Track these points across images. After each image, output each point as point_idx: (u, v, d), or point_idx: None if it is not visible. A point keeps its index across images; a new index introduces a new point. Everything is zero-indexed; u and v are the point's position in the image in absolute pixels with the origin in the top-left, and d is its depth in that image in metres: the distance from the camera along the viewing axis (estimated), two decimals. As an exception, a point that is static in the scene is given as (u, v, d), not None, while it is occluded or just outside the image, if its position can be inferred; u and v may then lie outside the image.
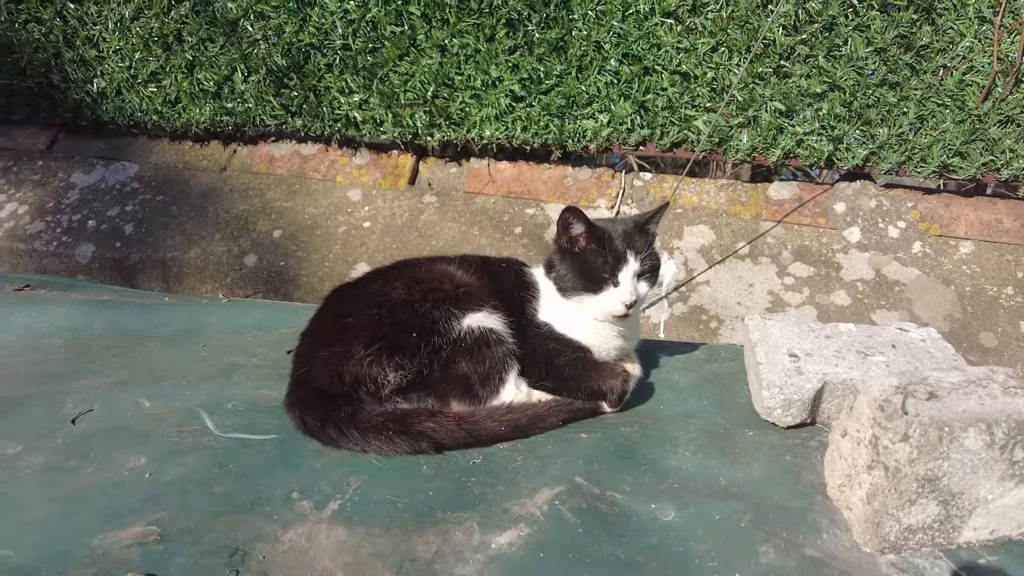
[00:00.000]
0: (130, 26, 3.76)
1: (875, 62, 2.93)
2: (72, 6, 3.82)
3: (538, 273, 1.82)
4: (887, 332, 1.81)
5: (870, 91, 2.96)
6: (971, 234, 3.03)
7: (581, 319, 1.70)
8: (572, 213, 1.66)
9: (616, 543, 1.26)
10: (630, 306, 1.63)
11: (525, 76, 3.27)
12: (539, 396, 1.68)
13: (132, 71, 3.84)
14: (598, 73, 3.22)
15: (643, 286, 1.68)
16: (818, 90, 3.01)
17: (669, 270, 3.10)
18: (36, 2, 3.86)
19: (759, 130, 3.12)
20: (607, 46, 3.16)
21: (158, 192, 3.83)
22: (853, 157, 3.06)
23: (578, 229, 1.68)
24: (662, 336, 2.94)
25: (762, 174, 3.84)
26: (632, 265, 1.65)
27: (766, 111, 3.09)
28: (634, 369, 1.81)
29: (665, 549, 1.24)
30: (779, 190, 3.27)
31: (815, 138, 3.07)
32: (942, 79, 2.92)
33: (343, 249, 3.40)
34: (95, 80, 3.92)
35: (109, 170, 3.99)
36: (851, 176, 3.22)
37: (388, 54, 3.40)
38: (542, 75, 3.26)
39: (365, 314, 1.61)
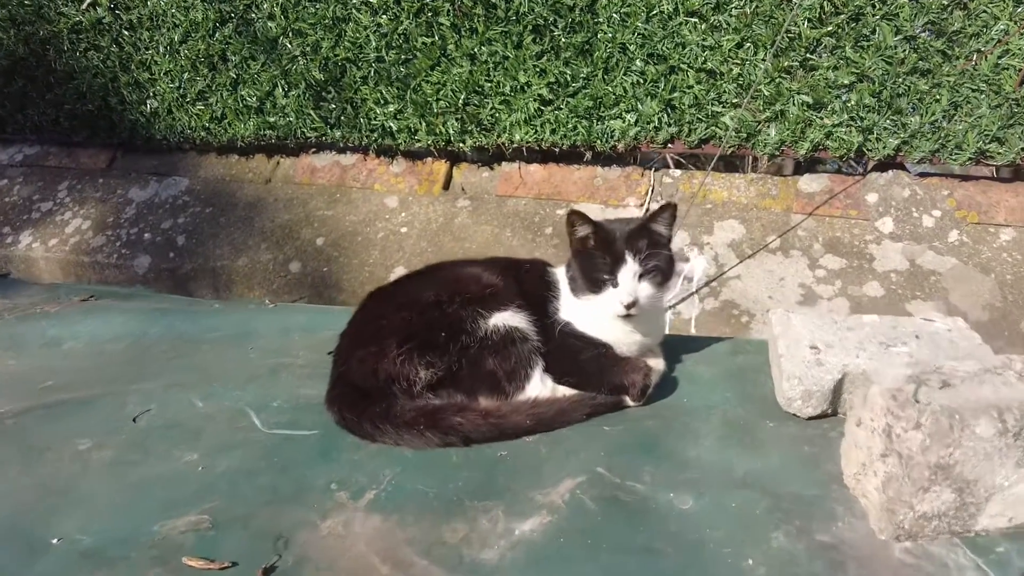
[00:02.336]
0: (179, 49, 3.98)
1: (905, 50, 2.90)
2: (127, 33, 4.07)
3: (559, 273, 1.89)
4: (911, 323, 1.81)
5: (900, 79, 2.92)
6: (1012, 221, 2.96)
7: (598, 317, 1.76)
8: (575, 215, 1.73)
9: (634, 530, 1.32)
10: (629, 306, 1.68)
11: (552, 80, 3.34)
12: (563, 391, 1.75)
13: (181, 91, 4.05)
14: (624, 74, 3.26)
15: (645, 286, 1.71)
16: (846, 81, 2.99)
17: (699, 265, 3.12)
18: (95, 32, 4.12)
19: (787, 124, 3.11)
20: (632, 47, 3.20)
21: (207, 204, 4.03)
22: (884, 147, 3.03)
23: (583, 231, 1.74)
24: (693, 332, 2.97)
25: (802, 168, 3.80)
26: (631, 266, 1.69)
27: (793, 104, 3.08)
28: (657, 364, 1.86)
29: (681, 536, 1.30)
30: (809, 183, 3.25)
31: (844, 129, 3.05)
32: (976, 64, 2.86)
33: (382, 254, 3.52)
34: (148, 101, 4.16)
35: (162, 185, 4.23)
36: (883, 166, 3.18)
37: (420, 64, 3.51)
38: (569, 78, 3.32)
39: (397, 316, 1.71)
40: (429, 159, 3.83)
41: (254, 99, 3.89)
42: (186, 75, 4.01)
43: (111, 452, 1.65)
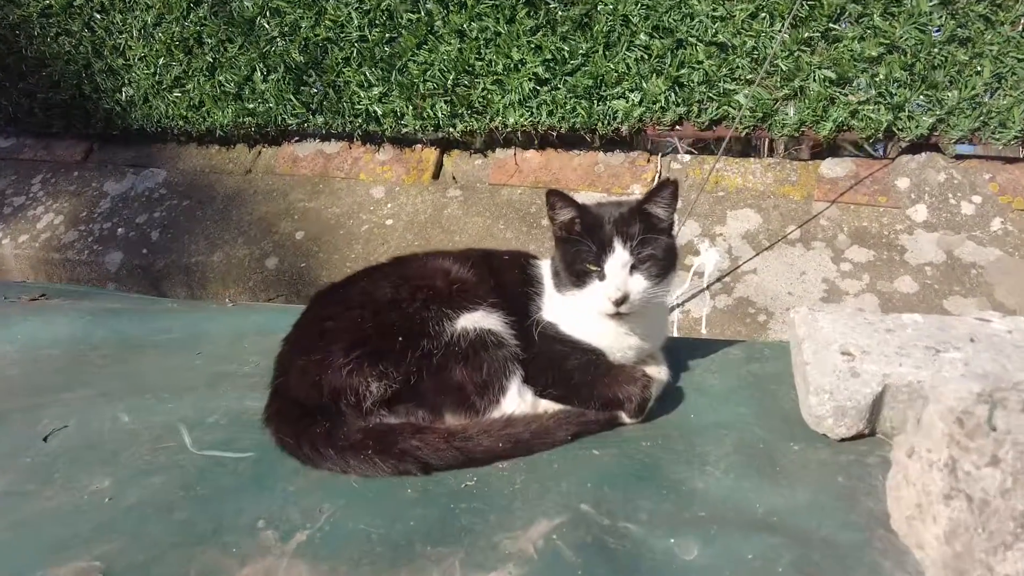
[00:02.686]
0: (153, 32, 3.74)
1: (941, 17, 2.58)
2: (99, 16, 3.83)
3: (545, 266, 1.61)
4: (964, 323, 1.52)
5: (935, 50, 2.61)
6: (1063, 207, 2.64)
7: (586, 316, 1.48)
8: (556, 196, 1.45)
9: (625, 588, 1.04)
10: (619, 302, 1.40)
11: (549, 57, 3.06)
12: (546, 406, 1.47)
13: (157, 77, 3.82)
14: (627, 49, 2.97)
15: (638, 279, 1.43)
16: (874, 53, 2.68)
17: (711, 259, 2.83)
18: (65, 15, 3.89)
19: (807, 102, 2.81)
20: (635, 19, 2.92)
21: (184, 197, 3.79)
22: (917, 126, 2.72)
23: (565, 214, 1.47)
24: (704, 332, 2.68)
25: (821, 153, 3.50)
26: (620, 254, 1.42)
27: (814, 80, 2.78)
28: (658, 372, 1.58)
29: (684, 596, 1.02)
30: (832, 167, 2.95)
31: (872, 107, 2.74)
32: (1023, 31, 2.54)
33: (365, 248, 3.26)
34: (123, 89, 3.92)
35: (139, 177, 3.99)
36: (915, 148, 2.87)
37: (406, 43, 3.25)
38: (567, 55, 3.04)
39: (346, 316, 1.44)
40: (418, 146, 3.56)
41: (232, 85, 3.64)
42: (161, 60, 3.77)
43: (6, 480, 1.39)
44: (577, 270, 1.45)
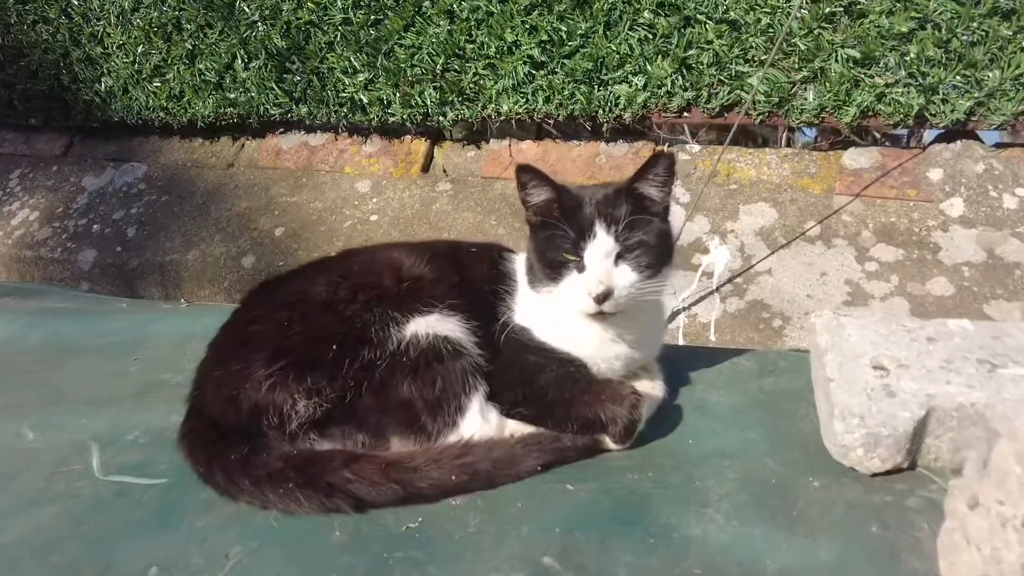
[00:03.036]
0: (131, 18, 3.55)
1: (981, -13, 2.31)
2: (76, 2, 3.65)
3: (521, 261, 1.37)
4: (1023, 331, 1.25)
5: (974, 24, 2.33)
6: (1119, 201, 2.35)
7: (565, 318, 1.24)
8: (529, 173, 1.22)
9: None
10: (601, 298, 1.15)
11: (545, 38, 2.82)
12: (514, 428, 1.23)
13: (136, 66, 3.63)
14: (629, 28, 2.72)
15: (625, 271, 1.19)
16: (904, 29, 2.41)
17: (721, 258, 2.57)
18: (42, 1, 3.71)
19: (828, 85, 2.54)
20: (639, -5, 2.67)
21: (164, 192, 3.59)
22: (952, 110, 2.44)
23: (540, 195, 1.23)
24: (713, 339, 2.41)
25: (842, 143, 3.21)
26: (602, 240, 1.18)
27: (836, 60, 2.51)
28: (651, 388, 1.33)
29: None
30: (856, 157, 2.67)
31: (901, 90, 2.47)
32: (1075, 1, 2.26)
33: (347, 245, 3.03)
34: (103, 79, 3.74)
35: (119, 172, 3.80)
36: (950, 135, 2.59)
37: (392, 25, 3.02)
38: (564, 36, 2.79)
39: (272, 319, 1.21)
40: (407, 137, 3.33)
41: (212, 73, 3.44)
42: (140, 48, 3.58)
43: None
44: (552, 260, 1.21)
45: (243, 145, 3.66)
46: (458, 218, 2.99)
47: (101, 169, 3.87)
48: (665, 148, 2.95)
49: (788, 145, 3.24)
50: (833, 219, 2.57)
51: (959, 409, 1.08)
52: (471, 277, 1.34)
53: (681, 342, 2.41)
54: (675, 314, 2.47)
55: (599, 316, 1.20)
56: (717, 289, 2.51)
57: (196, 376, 1.26)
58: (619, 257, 1.19)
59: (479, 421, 1.19)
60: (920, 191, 2.55)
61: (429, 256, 1.31)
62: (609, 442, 1.22)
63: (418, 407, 1.16)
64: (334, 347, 1.15)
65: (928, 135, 2.85)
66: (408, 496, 1.08)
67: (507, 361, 1.25)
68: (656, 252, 1.21)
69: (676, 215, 2.53)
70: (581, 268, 1.19)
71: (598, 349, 1.26)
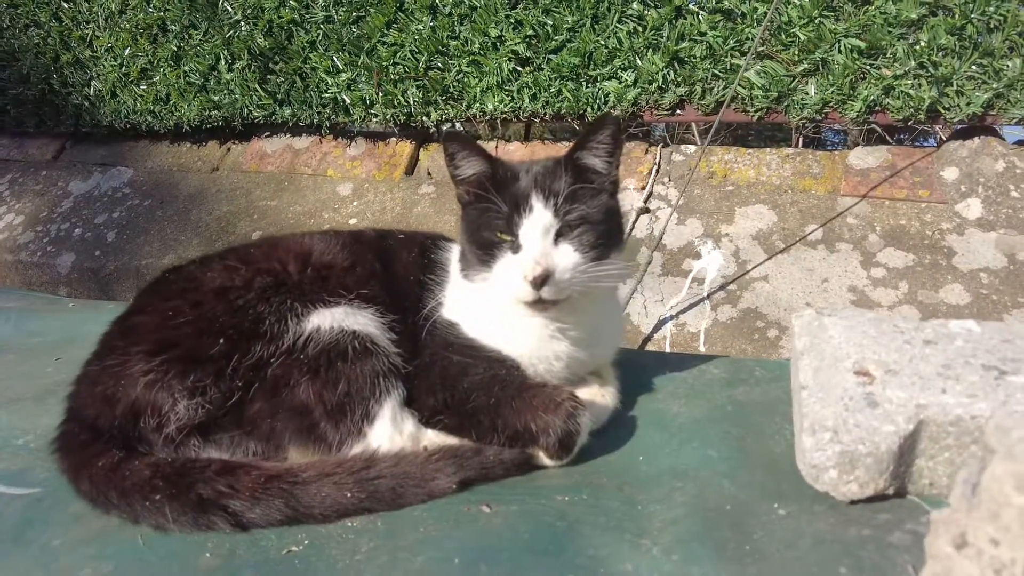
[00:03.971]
0: (119, 20, 3.50)
1: (997, -32, 2.12)
2: (66, 5, 3.62)
3: (456, 249, 1.21)
4: (1037, 334, 1.05)
5: (991, 8, 2.14)
6: None
7: (502, 312, 1.07)
8: (455, 142, 1.07)
9: None
10: (539, 282, 0.99)
11: (530, 33, 2.68)
12: (432, 438, 1.06)
13: (124, 69, 3.57)
14: (618, 21, 2.57)
15: (567, 250, 1.03)
16: (913, 15, 2.23)
17: (713, 263, 2.38)
18: (33, 5, 3.69)
19: (831, 78, 2.36)
20: (628, -14, 2.52)
21: (147, 196, 3.51)
22: (968, 104, 2.24)
23: (470, 168, 1.08)
24: (702, 349, 2.22)
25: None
26: (540, 215, 1.02)
27: (839, 51, 2.33)
28: (600, 395, 1.15)
29: None
30: (863, 156, 2.48)
31: (911, 82, 2.28)
32: (1101, -17, 2.07)
33: (324, 250, 2.90)
34: (92, 83, 3.69)
35: (105, 176, 3.74)
36: (966, 132, 2.39)
37: (374, 22, 2.91)
38: (550, 30, 2.65)
39: (158, 309, 1.06)
40: (392, 140, 3.21)
41: (197, 75, 3.36)
42: (128, 50, 3.52)
43: None
44: (483, 240, 1.05)
45: (229, 149, 3.57)
46: (439, 221, 2.85)
47: (88, 174, 3.80)
48: (659, 148, 2.78)
49: (796, 145, 3.05)
50: (837, 222, 2.37)
51: (956, 423, 0.89)
52: (396, 267, 1.18)
53: (667, 350, 2.22)
54: (662, 323, 2.28)
55: (538, 305, 1.04)
56: (708, 296, 2.32)
57: (79, 373, 1.12)
58: (560, 236, 1.03)
59: (391, 430, 1.03)
60: (933, 191, 2.34)
61: (345, 242, 1.16)
62: (543, 457, 1.04)
63: (316, 413, 1.00)
64: (221, 341, 1.00)
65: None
66: (296, 514, 0.92)
67: (428, 361, 1.08)
68: (602, 231, 1.05)
69: (626, 201, 2.35)
70: (516, 248, 1.03)
71: (536, 347, 1.09)
